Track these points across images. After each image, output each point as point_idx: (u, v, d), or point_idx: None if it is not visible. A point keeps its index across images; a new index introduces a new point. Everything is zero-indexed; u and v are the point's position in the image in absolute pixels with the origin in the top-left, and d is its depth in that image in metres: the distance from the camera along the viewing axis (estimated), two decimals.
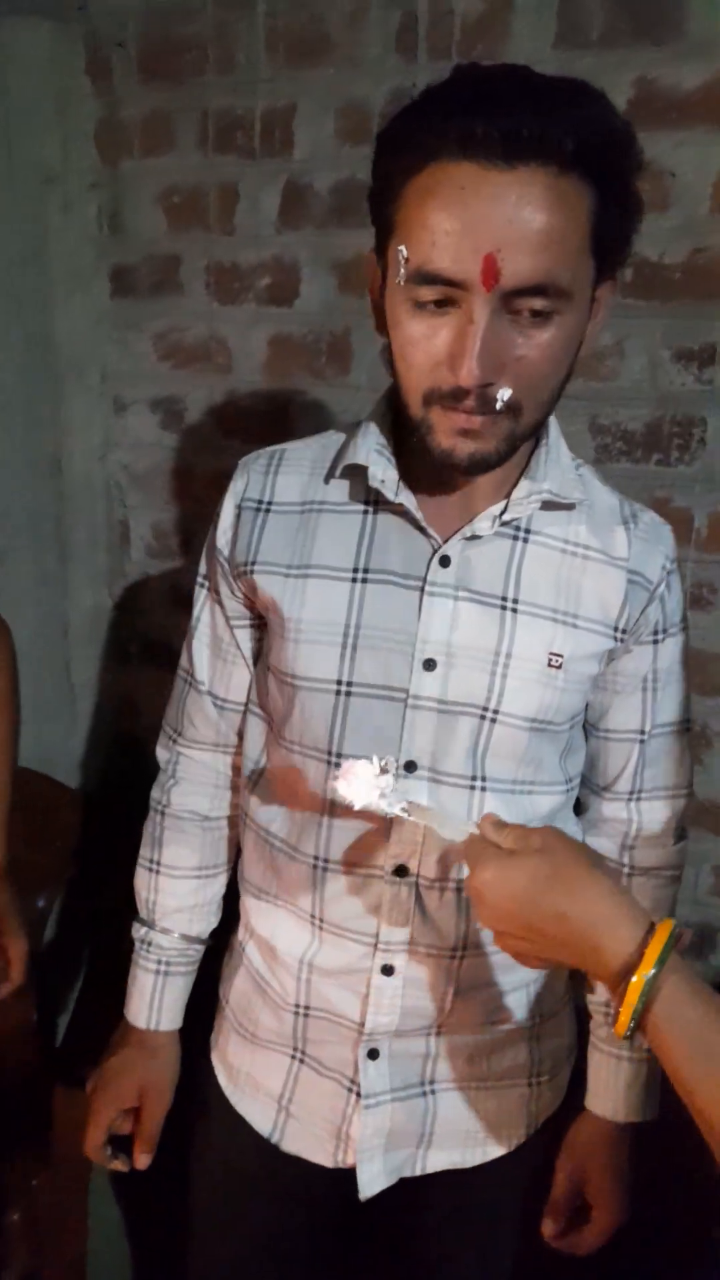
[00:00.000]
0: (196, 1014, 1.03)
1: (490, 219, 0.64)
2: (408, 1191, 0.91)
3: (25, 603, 1.53)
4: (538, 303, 0.67)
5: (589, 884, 0.64)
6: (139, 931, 1.01)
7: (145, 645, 1.67)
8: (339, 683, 0.82)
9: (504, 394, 0.69)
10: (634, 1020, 0.60)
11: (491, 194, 0.64)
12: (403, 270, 0.69)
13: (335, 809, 0.84)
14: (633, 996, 0.60)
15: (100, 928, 1.59)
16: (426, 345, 0.70)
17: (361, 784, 0.73)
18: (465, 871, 0.83)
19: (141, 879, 1.01)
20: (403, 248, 0.68)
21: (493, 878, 0.66)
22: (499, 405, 0.69)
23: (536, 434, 0.80)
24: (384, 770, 0.73)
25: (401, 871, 0.83)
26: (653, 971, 0.60)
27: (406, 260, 0.68)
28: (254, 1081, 0.95)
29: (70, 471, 1.57)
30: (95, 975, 1.62)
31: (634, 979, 0.60)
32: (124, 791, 1.77)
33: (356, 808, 0.73)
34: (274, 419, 1.44)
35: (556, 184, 0.65)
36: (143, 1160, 0.98)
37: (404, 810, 0.73)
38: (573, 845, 0.68)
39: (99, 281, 1.51)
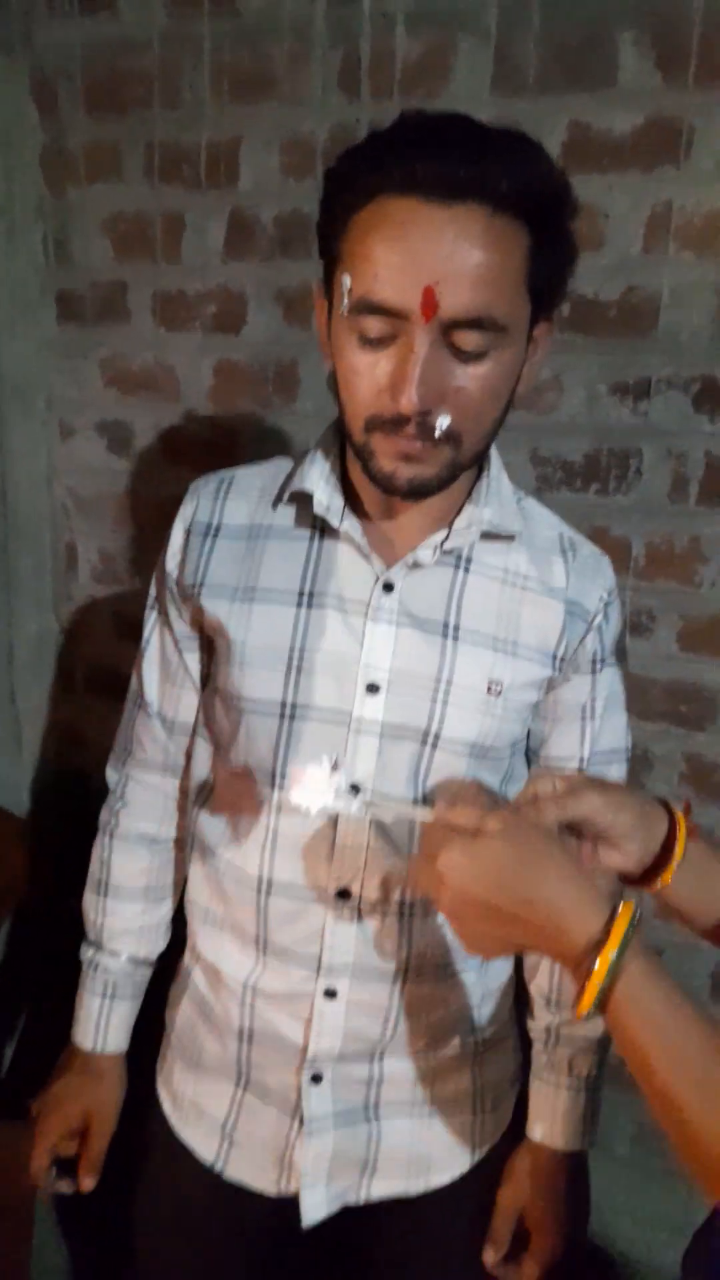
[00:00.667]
0: (145, 1039, 1.03)
1: (430, 253, 0.67)
2: (351, 1220, 0.91)
3: None
4: (474, 336, 0.69)
5: (553, 865, 0.65)
6: (86, 953, 1.00)
7: (92, 672, 1.66)
8: (284, 705, 0.83)
9: (443, 422, 0.71)
10: (598, 999, 0.61)
11: (431, 229, 0.67)
12: (346, 300, 0.71)
13: (279, 832, 0.85)
14: (599, 975, 0.60)
15: (46, 958, 1.56)
16: (369, 375, 0.72)
17: (314, 786, 0.73)
18: (408, 895, 0.84)
19: (89, 901, 1.01)
20: (347, 278, 0.71)
21: (457, 861, 0.66)
22: (438, 433, 0.72)
23: (478, 463, 0.82)
24: (335, 767, 0.74)
25: (345, 894, 0.84)
26: (618, 950, 0.60)
27: (350, 291, 0.71)
28: (198, 1108, 0.94)
29: (15, 497, 1.56)
30: (41, 1007, 1.59)
31: (600, 956, 0.60)
32: (70, 820, 1.75)
33: (314, 813, 0.73)
34: (221, 446, 1.44)
35: (493, 223, 0.68)
36: (87, 1183, 0.98)
37: (364, 804, 0.73)
38: (534, 827, 0.68)
39: (45, 308, 1.51)
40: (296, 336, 1.36)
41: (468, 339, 0.70)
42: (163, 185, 1.39)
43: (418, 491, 0.76)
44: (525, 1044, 0.99)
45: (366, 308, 0.70)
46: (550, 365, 1.23)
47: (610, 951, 0.60)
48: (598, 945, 0.61)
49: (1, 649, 1.61)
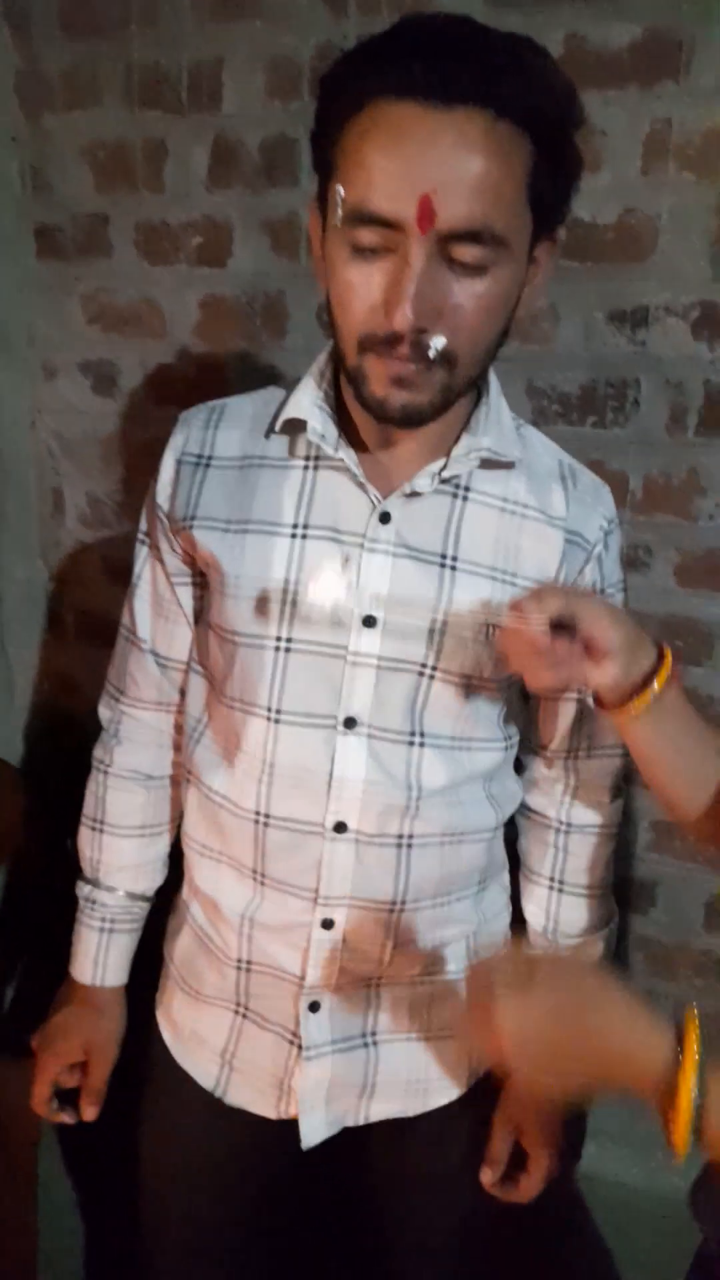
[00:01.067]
0: (143, 972, 1.04)
1: (427, 159, 0.64)
2: (351, 1141, 0.93)
3: None
4: (473, 250, 0.67)
5: (608, 998, 0.65)
6: (83, 890, 1.01)
7: (82, 618, 1.64)
8: (278, 639, 0.82)
9: (438, 342, 0.69)
10: (693, 1135, 0.58)
11: (428, 134, 0.64)
12: (340, 211, 0.68)
13: (275, 765, 0.84)
14: (685, 1114, 0.58)
15: (42, 905, 1.57)
16: (363, 291, 0.69)
17: (328, 588, 0.80)
18: (404, 827, 0.84)
19: (85, 838, 1.01)
20: (340, 187, 0.68)
21: (516, 1015, 0.65)
22: (432, 354, 0.69)
23: (476, 389, 0.80)
24: (346, 564, 0.79)
25: (340, 828, 0.84)
26: (696, 1079, 0.58)
27: (344, 200, 0.68)
28: (198, 1037, 0.95)
29: None
30: (39, 953, 1.60)
31: (681, 1093, 0.58)
32: (63, 766, 1.74)
33: (328, 616, 0.79)
34: (209, 383, 1.41)
35: (494, 128, 0.65)
36: (89, 1113, 1.00)
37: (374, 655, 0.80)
38: (578, 964, 0.71)
39: (23, 242, 1.46)
40: (284, 268, 1.33)
41: (466, 252, 0.67)
42: (143, 110, 1.34)
43: (411, 419, 0.74)
44: None
45: (360, 218, 0.67)
46: (546, 294, 1.20)
47: (689, 1082, 0.58)
48: (672, 1069, 0.59)
49: None
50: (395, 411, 0.73)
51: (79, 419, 1.53)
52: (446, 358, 0.70)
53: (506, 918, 0.99)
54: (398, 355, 0.70)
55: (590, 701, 0.87)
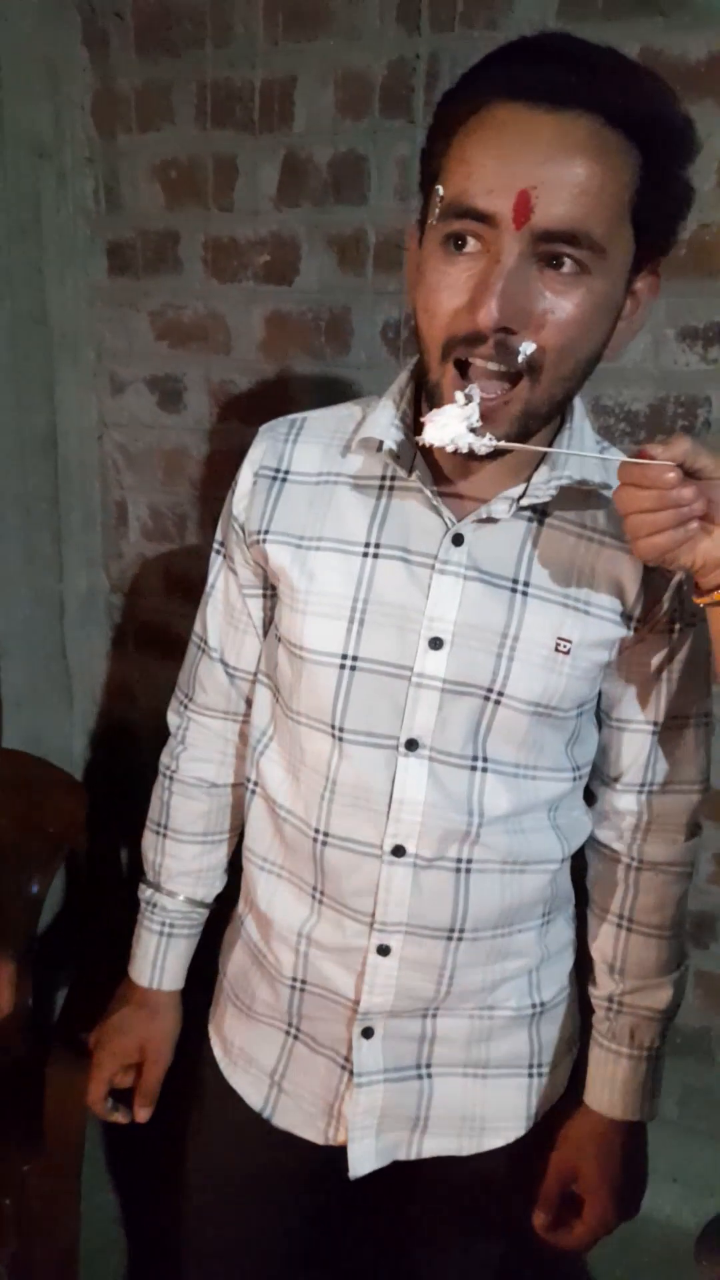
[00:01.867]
0: (200, 983, 1.04)
1: (527, 155, 0.64)
2: (401, 1174, 0.91)
3: (18, 584, 1.51)
4: (570, 252, 0.66)
5: None
6: (144, 893, 1.02)
7: (142, 629, 1.66)
8: (344, 657, 0.81)
9: (526, 348, 0.67)
10: None
11: (532, 132, 0.64)
12: (437, 209, 0.68)
13: (338, 784, 0.83)
14: None
15: (97, 912, 1.58)
16: (451, 290, 0.68)
17: (449, 421, 0.70)
18: (463, 852, 0.82)
19: (148, 842, 1.02)
20: (440, 187, 0.68)
21: None
22: (520, 358, 0.67)
23: (558, 416, 0.78)
24: (469, 399, 0.69)
25: (399, 851, 0.82)
26: None
27: (442, 198, 0.68)
28: (247, 1056, 0.95)
29: (65, 451, 1.55)
30: (92, 960, 1.61)
31: None
32: (120, 776, 1.76)
33: (448, 448, 0.70)
34: (272, 399, 1.42)
35: (600, 133, 0.64)
36: (142, 1114, 1.01)
37: (488, 443, 0.70)
38: None
39: (94, 258, 1.49)
40: (350, 284, 1.33)
41: (562, 254, 0.65)
42: (214, 128, 1.35)
43: (478, 453, 0.72)
44: (585, 1007, 0.97)
45: (456, 212, 0.67)
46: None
47: None
48: None
49: (52, 604, 1.61)
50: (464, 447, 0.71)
51: (144, 433, 1.54)
52: (532, 367, 0.68)
53: (571, 955, 0.96)
54: (481, 354, 0.68)
55: (687, 588, 0.82)
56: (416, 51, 1.21)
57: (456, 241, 0.68)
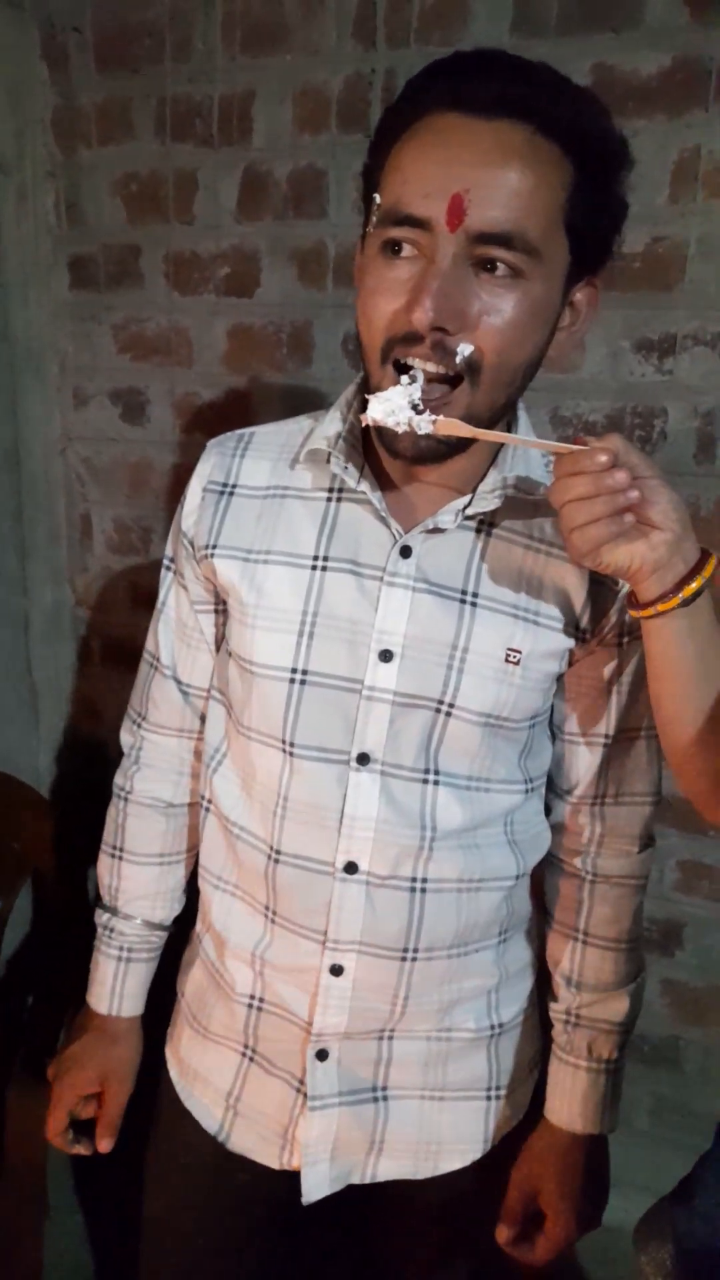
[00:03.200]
0: (158, 1004, 1.02)
1: (462, 160, 0.65)
2: (357, 1198, 0.89)
3: None
4: (504, 254, 0.66)
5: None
6: (101, 917, 1.00)
7: (108, 643, 1.65)
8: (294, 671, 0.81)
9: (464, 349, 0.68)
10: (696, 594, 0.68)
11: (468, 138, 0.65)
12: (375, 217, 0.69)
13: (289, 800, 0.83)
14: (708, 571, 0.68)
15: (62, 928, 1.56)
16: (387, 293, 0.69)
17: (392, 397, 0.69)
18: (417, 870, 0.82)
19: (104, 865, 1.00)
20: (377, 195, 0.69)
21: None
22: (459, 359, 0.68)
23: (501, 423, 0.79)
24: (413, 379, 0.69)
25: (351, 868, 0.81)
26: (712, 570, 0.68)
27: (379, 205, 0.69)
28: (203, 1078, 0.93)
29: (29, 466, 1.54)
30: (56, 977, 1.59)
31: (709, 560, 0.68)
32: (86, 791, 1.74)
33: (392, 425, 0.70)
34: (235, 411, 1.42)
35: (533, 140, 0.66)
36: (104, 1144, 0.98)
37: (433, 422, 0.69)
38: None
39: (57, 272, 1.49)
40: (311, 298, 1.33)
41: (496, 256, 0.66)
42: (175, 143, 1.36)
43: (426, 454, 0.72)
44: (546, 1028, 0.96)
45: (393, 219, 0.67)
46: (583, 345, 1.18)
47: (712, 562, 0.68)
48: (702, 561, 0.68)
49: (18, 619, 1.60)
50: (407, 448, 0.72)
51: (108, 446, 1.54)
52: (471, 368, 0.69)
53: (531, 975, 0.95)
54: (417, 353, 0.68)
55: (622, 595, 0.82)
56: (373, 67, 1.22)
57: (394, 247, 0.69)
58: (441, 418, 0.70)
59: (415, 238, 0.67)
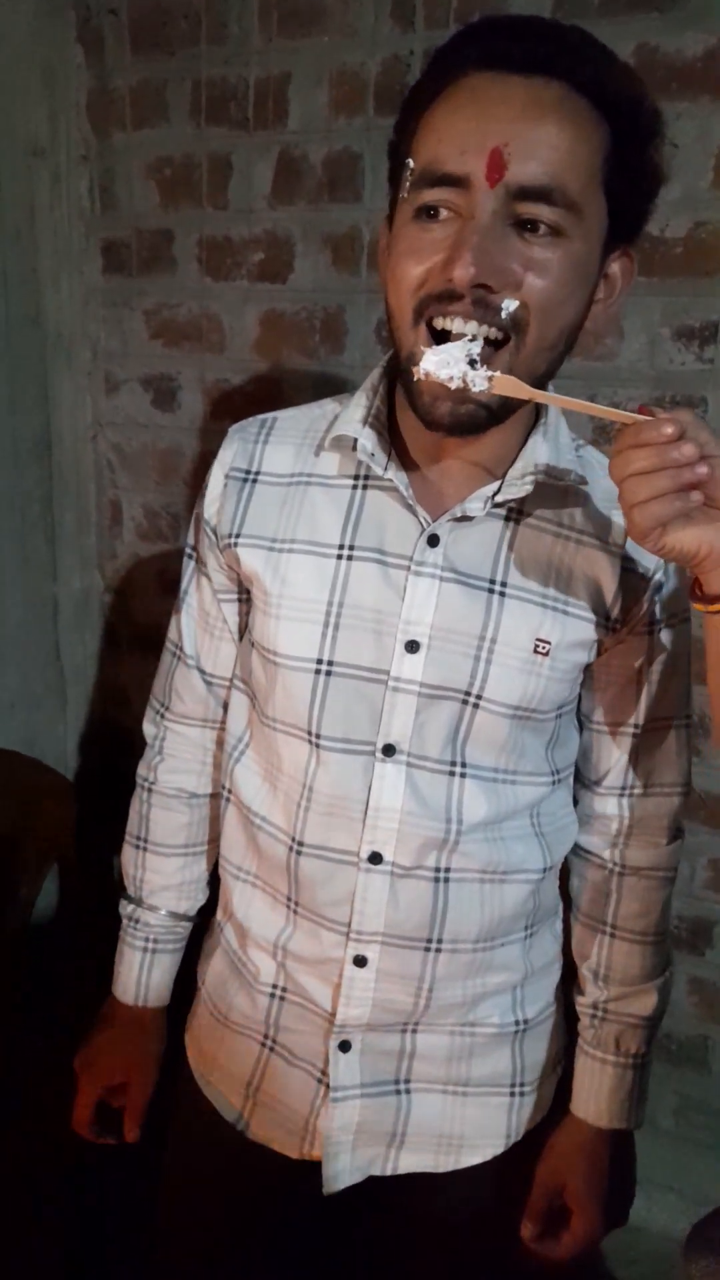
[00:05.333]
0: (179, 993, 1.02)
1: (499, 116, 0.64)
2: (377, 1190, 0.89)
3: (12, 586, 1.50)
4: (545, 210, 0.65)
5: None
6: (126, 909, 1.00)
7: (136, 630, 1.65)
8: (319, 662, 0.80)
9: (509, 304, 0.66)
10: None
11: (504, 94, 0.64)
12: (408, 182, 0.67)
13: (314, 790, 0.82)
14: None
15: (87, 915, 1.57)
16: (421, 256, 0.67)
17: (450, 354, 0.66)
18: (442, 860, 0.80)
19: (128, 856, 1.00)
20: (410, 159, 0.67)
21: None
22: (504, 315, 0.66)
23: (534, 410, 0.77)
24: (473, 338, 0.66)
25: (376, 859, 0.81)
26: None
27: (413, 169, 0.67)
28: (222, 1066, 0.93)
29: (59, 452, 1.55)
30: (82, 962, 1.60)
31: None
32: (113, 778, 1.75)
33: (444, 379, 0.66)
34: (266, 398, 1.41)
35: (570, 98, 0.65)
36: (131, 1134, 0.98)
37: (489, 379, 0.66)
38: None
39: (89, 257, 1.48)
40: (344, 284, 1.32)
41: (536, 211, 0.64)
42: (209, 126, 1.35)
43: (462, 423, 0.70)
44: (571, 1025, 0.95)
45: (428, 180, 0.66)
46: (619, 322, 1.16)
47: None
48: None
49: (46, 606, 1.60)
50: (445, 415, 0.69)
51: (138, 432, 1.54)
52: (517, 325, 0.66)
53: (557, 970, 0.94)
54: (456, 311, 0.66)
55: (685, 590, 0.79)
56: (411, 49, 1.20)
57: (429, 211, 0.67)
58: (499, 374, 0.67)
59: (452, 198, 0.65)
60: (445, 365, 0.66)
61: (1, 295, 1.39)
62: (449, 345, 0.67)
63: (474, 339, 0.66)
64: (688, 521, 0.62)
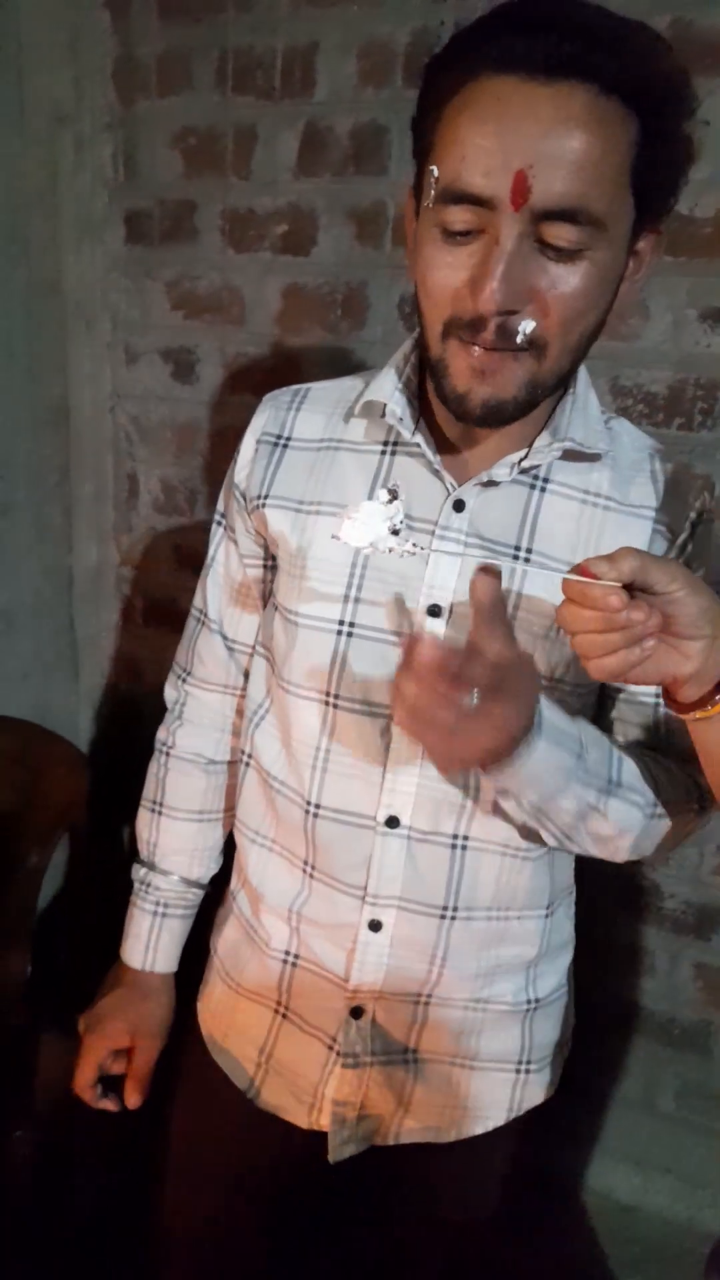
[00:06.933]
0: (191, 964, 1.03)
1: (523, 133, 0.62)
2: (381, 1159, 0.90)
3: (28, 556, 1.51)
4: (569, 231, 0.64)
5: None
6: (138, 873, 1.00)
7: (150, 604, 1.65)
8: (341, 623, 0.80)
9: (526, 326, 0.66)
10: None
11: (527, 108, 0.61)
12: (432, 192, 0.66)
13: (330, 754, 0.82)
14: None
15: (97, 884, 1.58)
16: (449, 274, 0.66)
17: (369, 519, 0.65)
18: (459, 827, 0.80)
19: (143, 820, 1.01)
20: (434, 167, 0.66)
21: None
22: (520, 338, 0.66)
23: (563, 385, 0.77)
24: (393, 497, 0.65)
25: (393, 822, 0.81)
26: None
27: (437, 180, 0.65)
28: (235, 1034, 0.94)
29: (77, 423, 1.54)
30: (91, 933, 1.62)
31: None
32: (124, 750, 1.76)
33: (365, 548, 0.66)
34: (286, 372, 1.40)
35: (597, 104, 0.62)
36: (133, 1100, 0.97)
37: (414, 547, 0.65)
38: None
39: (112, 227, 1.48)
40: (368, 258, 1.31)
41: (561, 233, 0.63)
42: (235, 95, 1.33)
43: (492, 416, 0.70)
44: (579, 1009, 0.95)
45: (451, 197, 0.64)
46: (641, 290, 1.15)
47: None
48: None
49: (61, 577, 1.61)
50: (477, 408, 0.70)
51: (157, 405, 1.53)
52: (535, 343, 0.67)
53: (570, 951, 0.94)
54: (481, 341, 0.66)
55: (658, 700, 0.79)
56: (441, 19, 1.19)
57: (455, 233, 0.66)
58: (419, 549, 0.67)
59: (476, 215, 0.64)
60: (364, 535, 0.65)
61: (23, 262, 1.38)
62: (366, 507, 0.66)
63: (392, 498, 0.65)
64: (647, 660, 0.61)
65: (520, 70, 0.61)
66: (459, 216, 0.65)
